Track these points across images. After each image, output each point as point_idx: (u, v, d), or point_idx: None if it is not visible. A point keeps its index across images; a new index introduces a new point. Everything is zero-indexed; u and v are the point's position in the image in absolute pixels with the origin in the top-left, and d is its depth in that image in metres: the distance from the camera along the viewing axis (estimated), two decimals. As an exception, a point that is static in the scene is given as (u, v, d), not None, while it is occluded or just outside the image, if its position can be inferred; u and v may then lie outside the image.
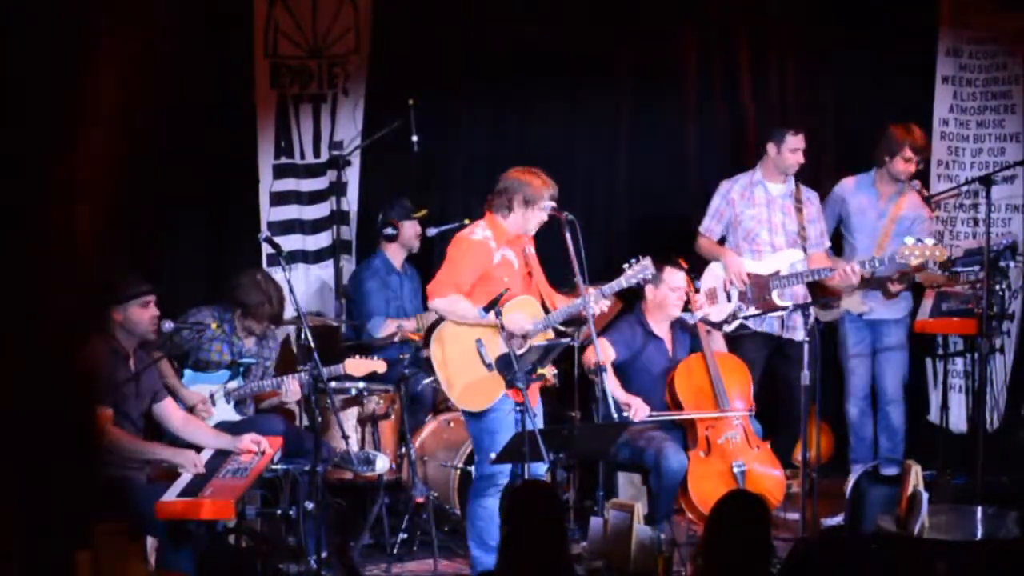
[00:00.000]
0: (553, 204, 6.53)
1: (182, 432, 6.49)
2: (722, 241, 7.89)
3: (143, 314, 6.28)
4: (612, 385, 6.91)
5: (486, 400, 6.43)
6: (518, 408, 6.15)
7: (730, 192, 7.84)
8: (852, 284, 7.72)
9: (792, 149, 7.74)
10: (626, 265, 6.58)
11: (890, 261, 7.56)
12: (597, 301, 6.46)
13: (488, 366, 6.39)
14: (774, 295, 7.68)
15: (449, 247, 6.62)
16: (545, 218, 6.53)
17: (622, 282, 6.58)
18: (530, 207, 6.50)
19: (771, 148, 7.77)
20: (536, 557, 4.58)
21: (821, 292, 7.94)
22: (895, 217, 7.83)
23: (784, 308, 7.61)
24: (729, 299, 7.70)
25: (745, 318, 7.58)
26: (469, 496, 6.65)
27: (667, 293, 7.27)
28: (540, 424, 6.39)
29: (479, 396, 6.45)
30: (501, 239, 6.51)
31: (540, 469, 6.26)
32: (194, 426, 6.55)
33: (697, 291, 7.47)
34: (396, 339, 7.50)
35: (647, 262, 6.57)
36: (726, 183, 7.89)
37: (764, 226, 7.77)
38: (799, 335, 7.73)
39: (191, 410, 6.85)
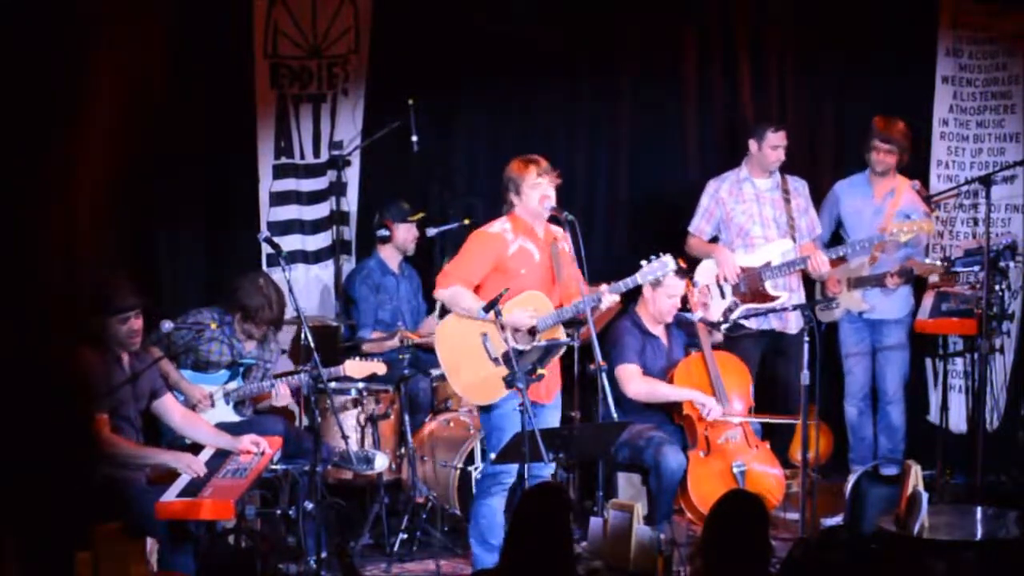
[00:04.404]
0: (552, 207, 6.52)
1: (182, 428, 6.49)
2: (713, 240, 7.89)
3: (121, 328, 6.21)
4: (675, 387, 7.11)
5: (494, 394, 6.37)
6: (520, 407, 6.15)
7: (718, 191, 7.85)
8: (822, 273, 7.70)
9: (773, 146, 7.74)
10: (644, 261, 6.49)
11: (878, 240, 7.56)
12: (604, 296, 6.38)
13: (495, 360, 6.39)
14: (767, 286, 7.69)
15: (466, 239, 6.64)
16: (546, 193, 6.42)
17: (637, 279, 6.51)
18: (520, 191, 6.46)
19: (752, 145, 7.79)
20: (540, 560, 4.58)
21: (821, 292, 7.94)
22: (892, 213, 7.82)
23: (777, 298, 7.62)
24: (723, 295, 7.70)
25: (746, 317, 7.57)
26: (474, 494, 6.65)
27: (664, 299, 7.23)
28: (557, 419, 6.45)
29: (484, 390, 6.44)
30: (519, 231, 6.49)
31: (544, 471, 6.24)
32: (194, 422, 6.55)
33: (696, 288, 7.47)
34: (396, 341, 7.50)
35: (667, 259, 6.47)
36: (713, 182, 7.90)
37: (755, 221, 7.78)
38: (792, 328, 7.74)
39: (193, 407, 6.85)
